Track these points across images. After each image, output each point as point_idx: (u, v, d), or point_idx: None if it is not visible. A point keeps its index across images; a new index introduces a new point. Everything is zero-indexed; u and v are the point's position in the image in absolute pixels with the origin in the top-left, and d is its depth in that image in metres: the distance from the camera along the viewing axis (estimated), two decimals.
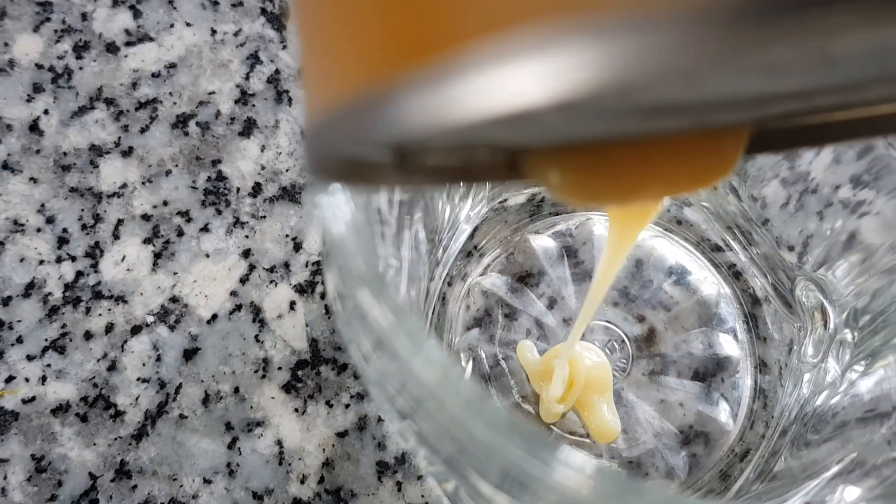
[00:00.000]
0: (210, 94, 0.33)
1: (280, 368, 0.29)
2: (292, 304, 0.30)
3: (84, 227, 0.31)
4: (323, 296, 0.30)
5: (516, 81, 0.08)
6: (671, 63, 0.08)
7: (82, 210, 0.31)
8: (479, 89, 0.09)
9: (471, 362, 0.28)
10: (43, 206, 0.31)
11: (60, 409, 0.28)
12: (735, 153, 0.17)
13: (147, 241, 0.31)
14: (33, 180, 0.31)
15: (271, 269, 0.31)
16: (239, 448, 0.28)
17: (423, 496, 0.28)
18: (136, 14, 0.34)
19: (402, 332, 0.13)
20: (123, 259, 0.30)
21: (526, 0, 0.08)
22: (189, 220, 0.31)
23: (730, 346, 0.29)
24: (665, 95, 0.11)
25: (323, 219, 0.15)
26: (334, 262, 0.15)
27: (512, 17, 0.08)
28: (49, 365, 0.29)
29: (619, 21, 0.08)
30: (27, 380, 0.29)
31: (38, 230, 0.31)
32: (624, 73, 0.08)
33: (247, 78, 0.33)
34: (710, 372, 0.29)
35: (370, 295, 0.13)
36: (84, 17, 0.34)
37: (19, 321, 0.29)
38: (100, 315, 0.30)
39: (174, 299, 0.30)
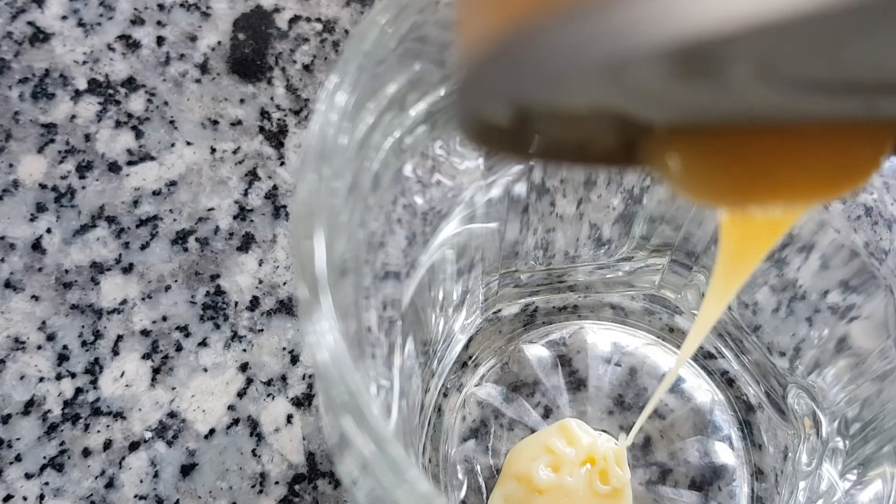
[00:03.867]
0: (209, 210, 0.34)
1: (277, 483, 0.29)
2: (289, 418, 0.30)
3: (84, 343, 0.31)
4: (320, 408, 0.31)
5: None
6: None
7: (82, 327, 0.31)
8: (646, 15, 0.08)
9: (467, 475, 0.29)
10: (44, 323, 0.31)
11: None
12: (880, 155, 0.15)
13: (146, 356, 0.31)
14: (35, 298, 0.32)
15: (268, 383, 0.31)
16: None
17: None
18: (139, 134, 0.35)
19: (384, 461, 0.13)
20: (122, 375, 0.31)
21: None
22: (188, 335, 0.31)
23: (725, 453, 0.29)
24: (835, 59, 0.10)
25: (308, 345, 0.15)
26: (321, 387, 0.16)
27: None
28: (47, 483, 0.29)
29: None
30: (25, 498, 0.29)
31: (39, 347, 0.31)
32: None
33: (245, 194, 0.34)
34: (707, 481, 0.29)
35: (353, 423, 0.14)
36: (87, 137, 0.35)
37: (18, 439, 0.30)
38: (98, 432, 0.30)
39: (172, 414, 0.30)
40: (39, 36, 0.36)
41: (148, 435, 0.30)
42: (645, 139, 0.15)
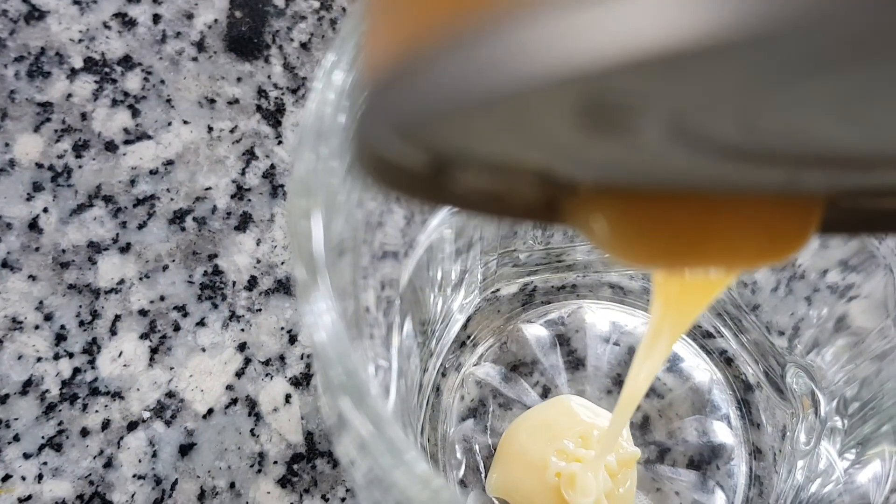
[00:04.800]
0: (206, 189, 0.33)
1: (276, 462, 0.29)
2: (288, 397, 0.30)
3: (82, 323, 0.31)
4: (318, 388, 0.31)
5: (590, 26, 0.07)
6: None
7: (80, 307, 0.31)
8: (559, 32, 0.07)
9: (465, 454, 0.29)
10: (41, 303, 0.31)
11: None
12: (807, 230, 0.15)
13: (144, 336, 0.31)
14: (32, 278, 0.32)
15: (266, 363, 0.31)
16: None
17: None
18: (135, 113, 0.35)
19: (382, 442, 0.13)
20: (120, 355, 0.31)
21: None
22: (185, 315, 0.31)
23: (724, 433, 0.29)
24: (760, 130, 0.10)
25: (306, 326, 0.15)
26: (319, 367, 0.16)
27: None
28: (45, 463, 0.29)
29: None
30: (24, 478, 0.29)
31: (37, 327, 0.31)
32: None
33: (242, 173, 0.34)
34: (706, 460, 0.29)
35: (351, 404, 0.14)
36: (84, 116, 0.34)
37: (16, 419, 0.30)
38: (96, 412, 0.30)
39: (170, 394, 0.30)
40: (35, 14, 0.36)
41: (146, 415, 0.30)
42: (568, 198, 0.15)
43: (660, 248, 0.14)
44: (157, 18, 0.37)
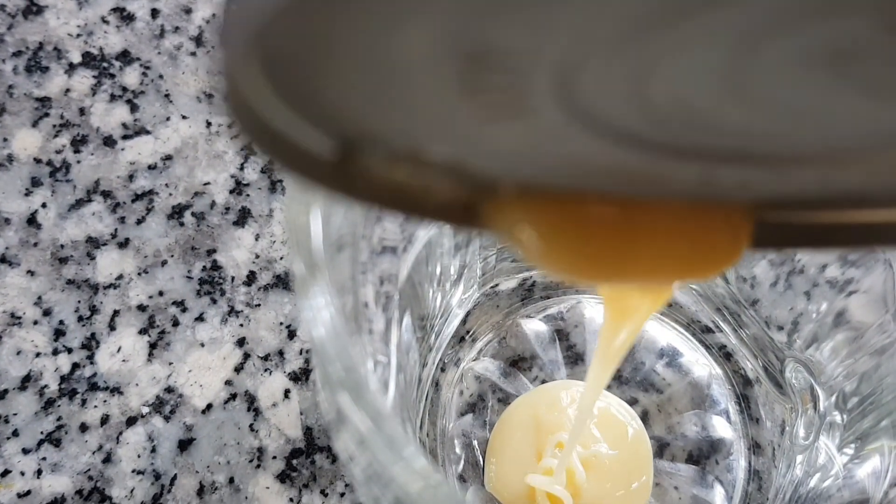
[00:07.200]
0: (205, 184, 0.33)
1: (275, 458, 0.29)
2: (287, 393, 0.30)
3: (80, 318, 0.31)
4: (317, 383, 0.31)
5: None
6: None
7: (79, 302, 0.31)
8: None
9: (464, 449, 0.29)
10: (40, 298, 0.31)
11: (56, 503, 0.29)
12: (738, 244, 0.14)
13: (143, 331, 0.31)
14: (30, 273, 0.32)
15: (266, 358, 0.31)
16: None
17: None
18: (133, 108, 0.34)
19: (381, 438, 0.13)
20: (119, 350, 0.31)
21: None
22: (184, 310, 0.31)
23: (723, 427, 0.29)
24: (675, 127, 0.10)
25: (305, 321, 0.15)
26: (318, 363, 0.16)
27: None
28: (44, 458, 0.29)
29: None
30: (22, 473, 0.29)
31: (35, 323, 0.31)
32: None
33: (241, 168, 0.34)
34: (705, 454, 0.29)
35: (350, 400, 0.13)
36: (82, 111, 0.34)
37: (15, 414, 0.30)
38: (95, 407, 0.30)
39: (169, 389, 0.30)
40: (33, 8, 0.36)
41: (145, 410, 0.30)
42: (488, 201, 0.14)
43: (586, 260, 0.14)
44: (155, 13, 0.36)
